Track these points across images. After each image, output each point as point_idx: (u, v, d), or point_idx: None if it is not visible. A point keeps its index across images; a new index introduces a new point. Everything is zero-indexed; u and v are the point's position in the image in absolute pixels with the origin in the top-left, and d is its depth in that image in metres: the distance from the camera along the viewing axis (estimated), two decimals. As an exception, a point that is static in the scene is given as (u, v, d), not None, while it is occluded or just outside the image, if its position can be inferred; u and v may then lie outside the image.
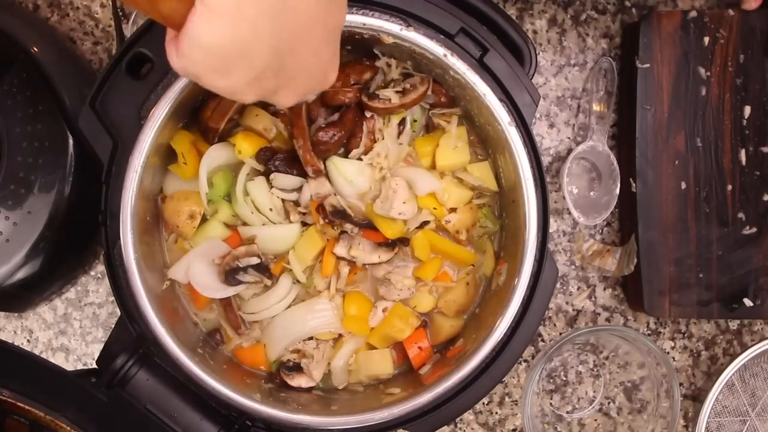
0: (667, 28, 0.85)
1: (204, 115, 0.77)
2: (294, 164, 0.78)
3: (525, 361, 0.93)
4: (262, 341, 0.82)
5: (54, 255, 0.80)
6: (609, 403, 0.93)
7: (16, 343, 0.91)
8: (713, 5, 0.90)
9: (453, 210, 0.81)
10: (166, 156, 0.77)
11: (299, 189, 0.79)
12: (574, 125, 0.91)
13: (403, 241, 0.80)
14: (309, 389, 0.80)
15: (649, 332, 0.92)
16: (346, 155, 0.80)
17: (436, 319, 0.82)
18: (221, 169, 0.79)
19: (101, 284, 0.91)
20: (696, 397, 0.93)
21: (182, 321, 0.79)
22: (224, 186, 0.79)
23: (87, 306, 0.91)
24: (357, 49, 0.77)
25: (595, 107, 0.90)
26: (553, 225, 0.92)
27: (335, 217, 0.77)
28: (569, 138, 0.92)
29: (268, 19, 0.47)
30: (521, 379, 0.92)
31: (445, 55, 0.71)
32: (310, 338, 0.81)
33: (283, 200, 0.79)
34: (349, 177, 0.78)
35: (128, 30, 0.82)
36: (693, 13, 0.85)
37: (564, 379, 0.93)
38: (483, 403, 0.92)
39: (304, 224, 0.80)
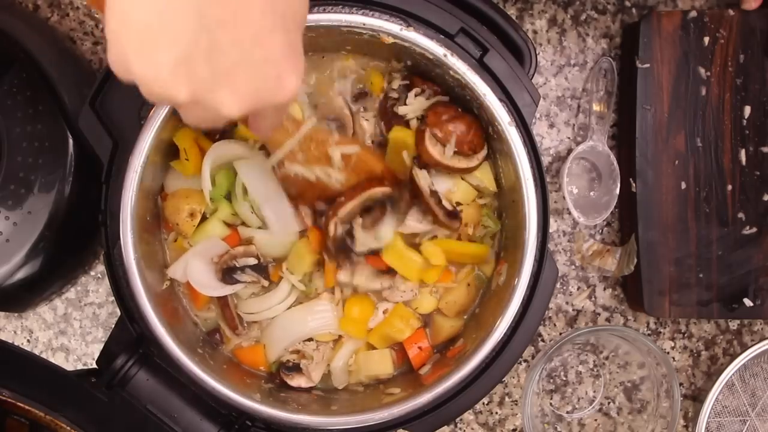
0: (667, 28, 0.85)
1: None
2: None
3: (525, 361, 0.93)
4: (262, 342, 0.82)
5: (54, 255, 0.80)
6: (609, 403, 0.93)
7: (16, 343, 0.91)
8: (713, 5, 0.90)
9: (459, 204, 0.80)
10: (168, 153, 0.77)
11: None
12: (574, 125, 0.91)
13: None
14: (309, 389, 0.80)
15: (649, 332, 0.92)
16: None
17: (437, 320, 0.82)
18: (223, 167, 0.79)
19: (101, 284, 0.91)
20: (696, 397, 0.93)
21: (182, 321, 0.79)
22: (226, 184, 0.78)
23: (87, 306, 0.91)
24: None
25: (595, 107, 0.90)
26: (553, 225, 0.92)
27: (340, 254, 0.77)
28: (569, 138, 0.92)
29: None
30: (521, 379, 0.92)
31: (445, 55, 0.71)
32: (310, 339, 0.81)
33: None
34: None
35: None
36: (693, 13, 0.85)
37: (564, 379, 0.93)
38: (483, 403, 0.92)
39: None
